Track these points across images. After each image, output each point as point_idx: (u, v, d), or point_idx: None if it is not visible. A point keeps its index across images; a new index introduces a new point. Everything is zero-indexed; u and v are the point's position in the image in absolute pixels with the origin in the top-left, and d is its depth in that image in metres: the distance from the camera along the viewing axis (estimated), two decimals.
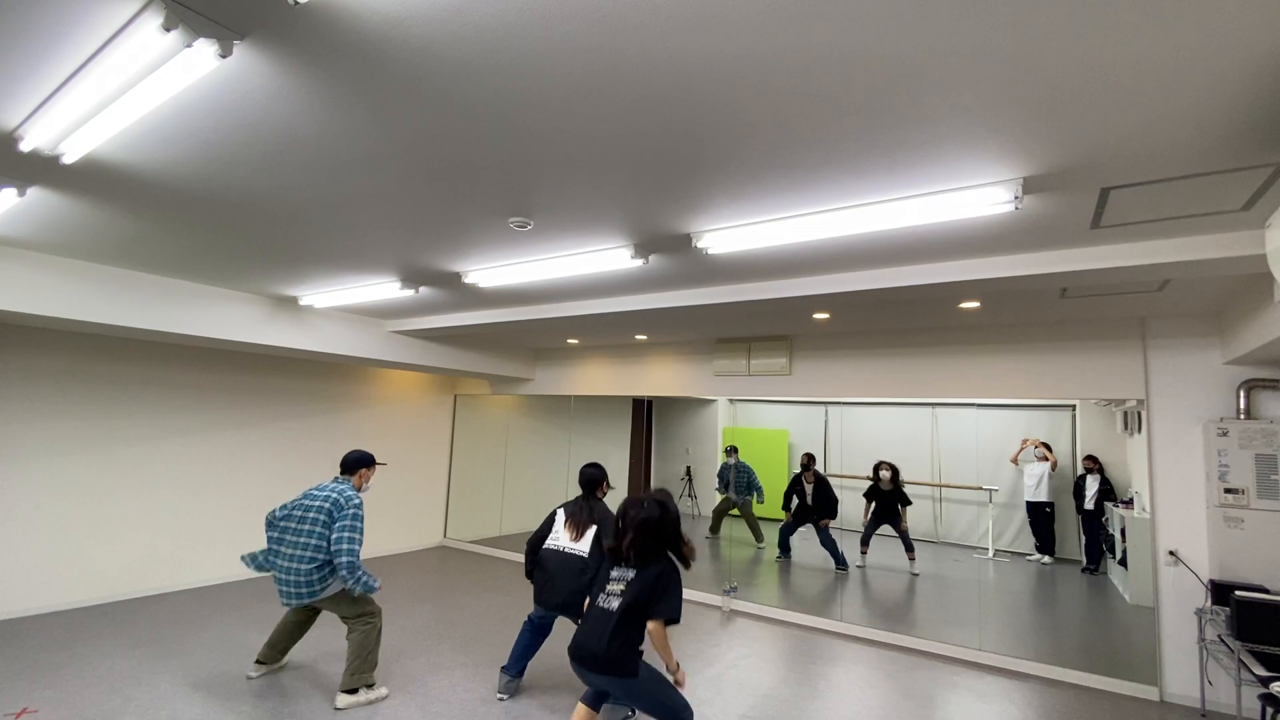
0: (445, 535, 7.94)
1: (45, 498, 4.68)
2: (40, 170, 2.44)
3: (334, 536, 3.25)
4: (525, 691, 3.56)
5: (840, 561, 6.09)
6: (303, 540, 3.29)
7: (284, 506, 3.48)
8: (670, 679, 2.63)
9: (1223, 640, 3.43)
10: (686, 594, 5.71)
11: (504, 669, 3.53)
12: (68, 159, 2.24)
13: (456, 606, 5.21)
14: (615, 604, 2.53)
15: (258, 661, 3.65)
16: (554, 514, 3.53)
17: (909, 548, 5.96)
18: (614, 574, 2.64)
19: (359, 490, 3.53)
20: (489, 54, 1.59)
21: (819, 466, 6.40)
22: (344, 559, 3.21)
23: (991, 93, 1.68)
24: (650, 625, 2.49)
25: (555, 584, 3.30)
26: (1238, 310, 3.62)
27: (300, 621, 3.66)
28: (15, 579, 4.51)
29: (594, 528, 3.37)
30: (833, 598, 5.50)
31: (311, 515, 3.34)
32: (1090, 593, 5.43)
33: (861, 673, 4.10)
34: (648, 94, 1.75)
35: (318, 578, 3.29)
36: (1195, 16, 1.35)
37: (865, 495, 6.12)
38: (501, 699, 3.46)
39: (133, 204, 2.82)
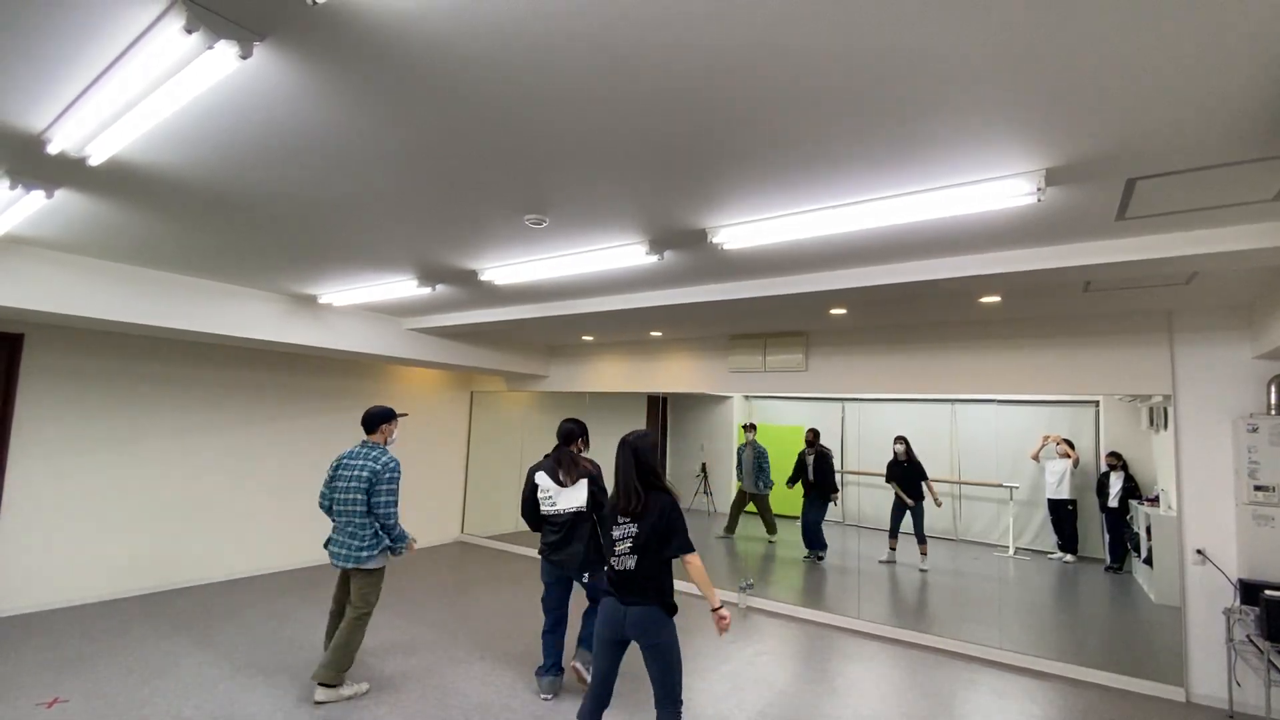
0: (462, 531, 8.02)
1: (74, 492, 4.78)
2: (67, 172, 2.49)
3: (374, 500, 3.43)
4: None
5: (819, 545, 6.31)
6: (347, 510, 3.45)
7: (327, 486, 3.57)
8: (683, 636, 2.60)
9: (1252, 641, 3.36)
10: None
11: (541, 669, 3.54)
12: (94, 161, 2.28)
13: (474, 602, 5.26)
14: (630, 562, 2.55)
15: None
16: (532, 478, 3.56)
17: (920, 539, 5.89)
18: (616, 533, 2.62)
19: (385, 444, 3.59)
20: (500, 49, 1.59)
21: (830, 461, 6.35)
22: (391, 522, 3.47)
23: (1013, 84, 1.64)
24: (690, 563, 2.54)
25: (565, 547, 3.47)
26: (1268, 303, 3.52)
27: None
28: (46, 572, 4.63)
29: (585, 480, 3.51)
30: (851, 595, 5.46)
31: (353, 487, 3.45)
32: (1114, 591, 5.34)
33: (880, 671, 4.08)
34: (662, 88, 1.74)
35: (365, 545, 3.43)
36: (1227, 4, 1.31)
37: (887, 478, 6.06)
38: (546, 699, 3.46)
39: (156, 205, 2.87)
